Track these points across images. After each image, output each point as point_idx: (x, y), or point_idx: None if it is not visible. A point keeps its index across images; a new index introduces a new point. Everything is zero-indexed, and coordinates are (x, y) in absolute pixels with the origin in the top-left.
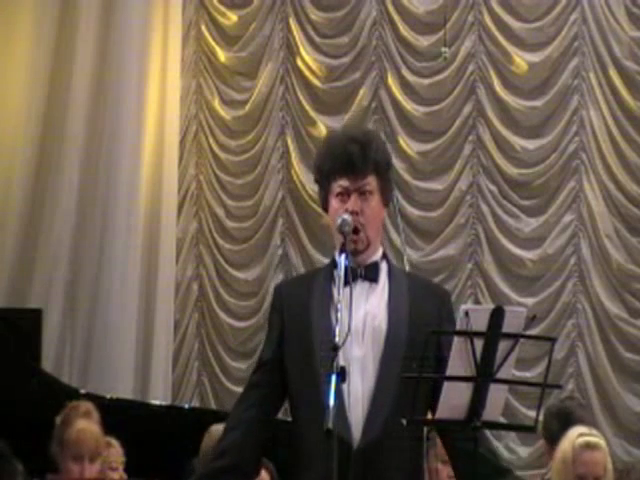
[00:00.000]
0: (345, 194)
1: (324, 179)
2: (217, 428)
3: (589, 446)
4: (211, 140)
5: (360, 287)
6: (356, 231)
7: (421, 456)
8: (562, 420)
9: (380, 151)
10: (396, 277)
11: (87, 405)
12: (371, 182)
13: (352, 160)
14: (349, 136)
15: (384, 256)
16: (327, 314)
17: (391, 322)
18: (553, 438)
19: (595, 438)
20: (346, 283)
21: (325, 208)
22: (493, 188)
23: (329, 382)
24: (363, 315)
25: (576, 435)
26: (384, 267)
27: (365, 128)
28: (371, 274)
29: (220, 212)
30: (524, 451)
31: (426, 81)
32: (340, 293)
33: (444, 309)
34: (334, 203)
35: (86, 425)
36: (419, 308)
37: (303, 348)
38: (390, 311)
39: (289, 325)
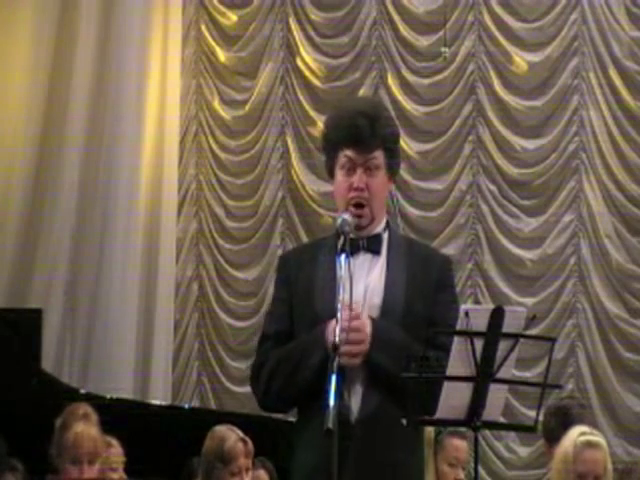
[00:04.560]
0: (351, 167)
1: (330, 148)
2: (220, 429)
3: (590, 445)
4: (211, 140)
5: (362, 259)
6: (361, 206)
7: (422, 438)
8: (561, 419)
9: (389, 126)
10: (395, 248)
11: (85, 407)
12: (378, 157)
13: (360, 134)
14: (359, 109)
15: (387, 226)
16: (331, 300)
17: (386, 297)
18: (552, 437)
19: (596, 437)
20: (347, 254)
21: (331, 176)
22: (493, 188)
23: (329, 382)
24: (363, 289)
25: (577, 434)
26: (385, 237)
27: (373, 100)
28: (373, 246)
29: (220, 212)
30: (524, 451)
31: (426, 81)
32: (341, 293)
33: (441, 280)
34: (339, 175)
35: (84, 428)
36: (416, 280)
37: (307, 325)
38: (386, 286)
39: (295, 302)
